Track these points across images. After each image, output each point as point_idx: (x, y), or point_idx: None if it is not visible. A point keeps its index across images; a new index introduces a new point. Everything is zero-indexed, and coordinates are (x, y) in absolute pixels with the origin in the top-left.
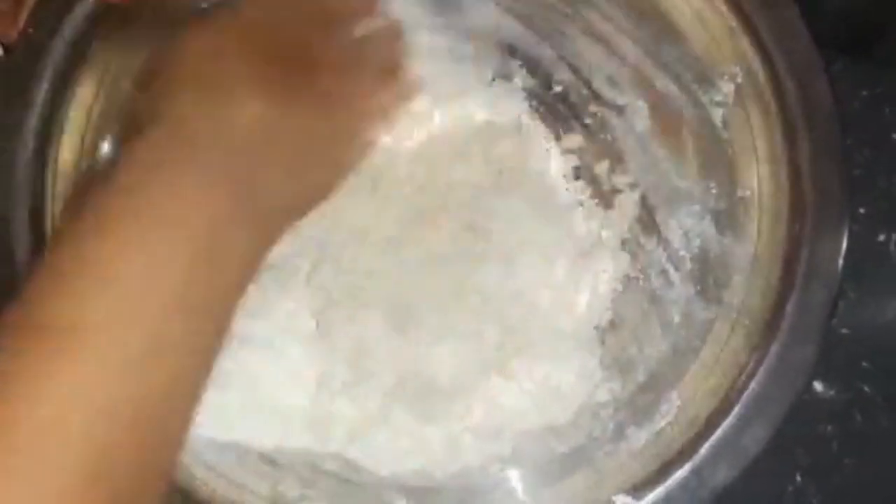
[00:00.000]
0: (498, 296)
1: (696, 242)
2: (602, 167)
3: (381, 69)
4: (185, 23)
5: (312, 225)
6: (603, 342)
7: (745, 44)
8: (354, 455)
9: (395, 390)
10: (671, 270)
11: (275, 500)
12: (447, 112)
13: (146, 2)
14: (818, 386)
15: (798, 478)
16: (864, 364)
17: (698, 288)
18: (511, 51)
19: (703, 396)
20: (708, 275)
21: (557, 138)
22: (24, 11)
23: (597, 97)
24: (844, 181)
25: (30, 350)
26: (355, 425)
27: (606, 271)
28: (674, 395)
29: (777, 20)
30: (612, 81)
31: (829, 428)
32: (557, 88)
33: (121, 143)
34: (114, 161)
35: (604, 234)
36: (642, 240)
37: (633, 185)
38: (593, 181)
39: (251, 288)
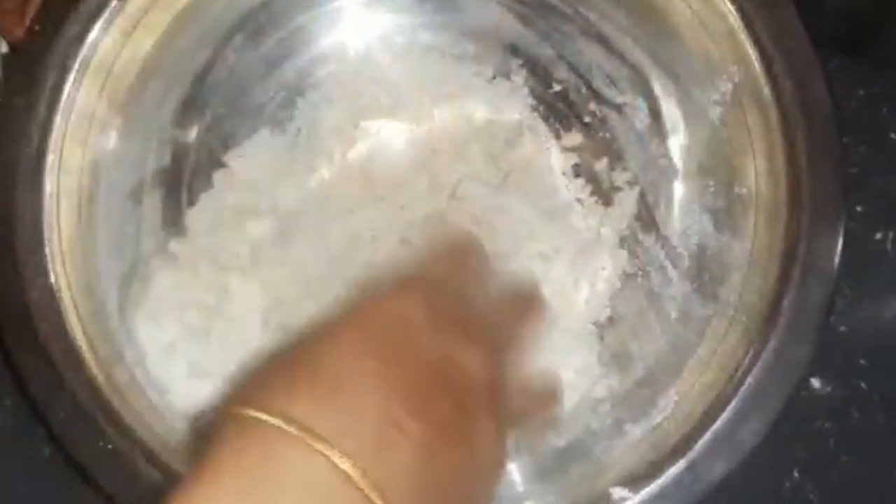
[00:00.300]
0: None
1: (694, 240)
2: (601, 165)
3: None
4: None
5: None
6: (602, 338)
7: (744, 43)
8: None
9: None
10: (669, 268)
11: None
12: (447, 111)
13: None
14: (816, 383)
15: (795, 474)
16: (862, 361)
17: (696, 285)
18: (512, 50)
19: (700, 392)
20: (705, 272)
21: (557, 137)
22: (30, 10)
23: (596, 96)
24: (841, 180)
25: None
26: None
27: (605, 268)
28: (671, 390)
29: (775, 20)
30: (611, 80)
31: (827, 425)
32: (557, 87)
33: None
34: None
35: (603, 231)
36: (641, 237)
37: (632, 183)
38: (593, 179)
39: None
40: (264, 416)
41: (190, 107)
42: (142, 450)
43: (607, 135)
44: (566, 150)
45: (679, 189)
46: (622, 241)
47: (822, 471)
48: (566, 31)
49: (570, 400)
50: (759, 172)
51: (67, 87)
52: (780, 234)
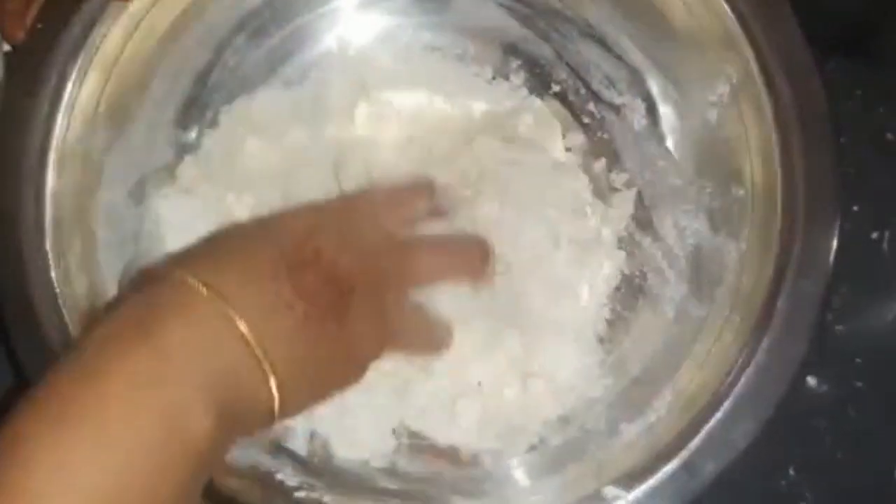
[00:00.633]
0: (496, 292)
1: (691, 240)
2: (600, 165)
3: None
4: None
5: None
6: (599, 339)
7: (741, 45)
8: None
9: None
10: (666, 268)
11: (275, 488)
12: (447, 109)
13: None
14: (812, 382)
15: (791, 472)
16: (858, 360)
17: (692, 285)
18: (511, 51)
19: (695, 391)
20: (702, 272)
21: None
22: (32, 10)
23: (595, 97)
24: (837, 180)
25: None
26: None
27: (604, 269)
28: (666, 389)
29: (772, 21)
30: (609, 81)
31: (823, 423)
32: (556, 88)
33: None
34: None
35: (603, 232)
36: (638, 237)
37: (629, 184)
38: (591, 180)
39: None
40: (187, 277)
41: (191, 106)
42: None
43: (605, 135)
44: (564, 150)
45: (676, 190)
46: (620, 242)
47: (818, 469)
48: (565, 32)
49: (567, 400)
50: (755, 173)
51: (69, 86)
52: (775, 234)
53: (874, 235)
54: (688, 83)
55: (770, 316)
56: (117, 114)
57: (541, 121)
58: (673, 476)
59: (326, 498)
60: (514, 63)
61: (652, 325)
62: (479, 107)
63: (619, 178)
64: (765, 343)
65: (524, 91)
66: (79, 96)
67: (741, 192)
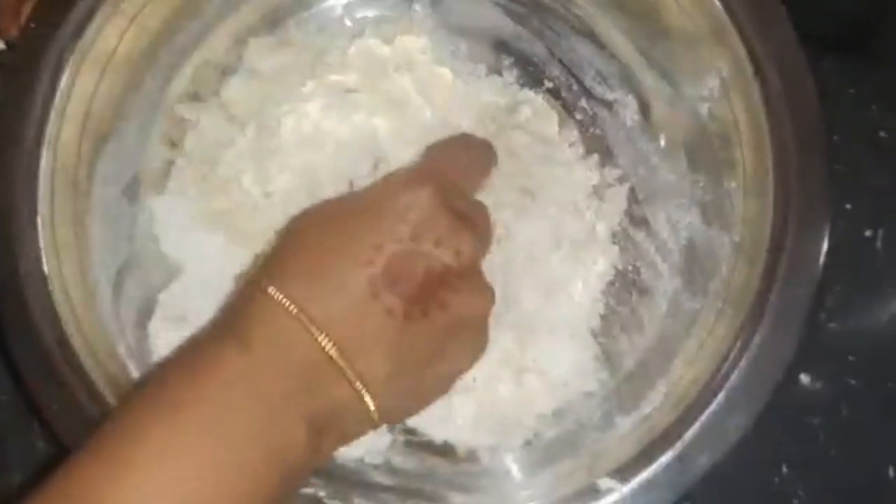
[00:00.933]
0: None
1: (684, 234)
2: (592, 161)
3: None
4: None
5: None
6: (593, 333)
7: (732, 40)
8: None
9: None
10: (660, 262)
11: None
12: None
13: None
14: (806, 379)
15: (784, 469)
16: (851, 358)
17: (685, 279)
18: (503, 47)
19: (688, 384)
20: (695, 266)
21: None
22: (26, 9)
23: (587, 93)
24: (827, 174)
25: None
26: None
27: (597, 264)
28: (660, 383)
29: (764, 17)
30: (601, 77)
31: (816, 420)
32: (549, 84)
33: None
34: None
35: (596, 227)
36: (632, 232)
37: (622, 179)
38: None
39: None
40: (279, 296)
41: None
42: None
43: (598, 131)
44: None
45: (669, 184)
46: (614, 237)
47: (811, 466)
48: (557, 28)
49: (562, 395)
50: (746, 167)
51: (63, 84)
52: (767, 229)
53: (868, 233)
54: (680, 78)
55: (763, 309)
56: (111, 112)
57: (540, 114)
58: (667, 468)
59: (322, 494)
60: (507, 60)
61: (646, 319)
62: (481, 98)
63: (612, 174)
64: (757, 336)
65: (516, 87)
66: (72, 94)
67: (733, 185)
